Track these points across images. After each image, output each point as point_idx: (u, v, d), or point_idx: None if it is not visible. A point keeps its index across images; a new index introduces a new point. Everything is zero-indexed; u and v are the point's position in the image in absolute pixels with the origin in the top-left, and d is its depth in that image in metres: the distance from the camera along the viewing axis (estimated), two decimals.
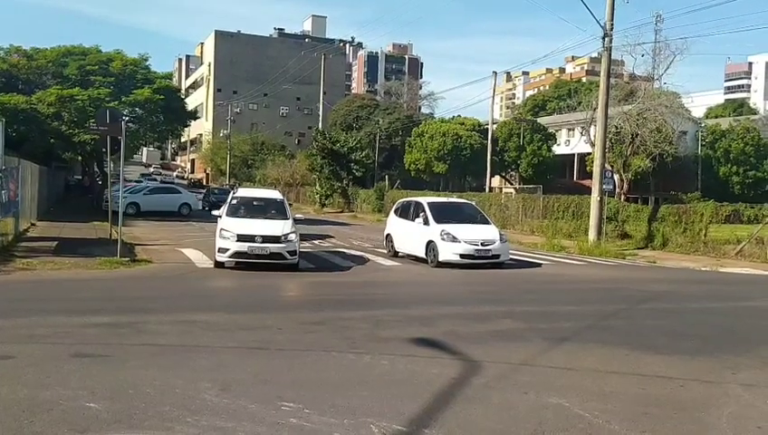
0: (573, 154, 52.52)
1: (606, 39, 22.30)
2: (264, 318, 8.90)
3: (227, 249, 14.16)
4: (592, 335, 8.27)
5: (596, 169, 23.14)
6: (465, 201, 21.12)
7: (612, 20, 22.31)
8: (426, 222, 16.97)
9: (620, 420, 4.89)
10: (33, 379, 5.51)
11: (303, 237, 20.53)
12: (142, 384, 5.37)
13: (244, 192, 17.87)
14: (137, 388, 5.26)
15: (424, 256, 16.78)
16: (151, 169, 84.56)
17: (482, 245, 16.18)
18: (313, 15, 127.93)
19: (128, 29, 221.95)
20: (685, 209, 23.86)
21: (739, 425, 5.01)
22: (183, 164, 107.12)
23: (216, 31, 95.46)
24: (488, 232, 16.83)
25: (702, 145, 49.35)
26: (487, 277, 14.90)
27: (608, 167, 26.82)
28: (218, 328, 8.12)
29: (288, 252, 14.35)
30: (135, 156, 66.23)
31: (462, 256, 16.02)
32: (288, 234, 14.53)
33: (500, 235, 16.89)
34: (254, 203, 16.44)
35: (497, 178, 53.59)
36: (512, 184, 54.12)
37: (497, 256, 16.36)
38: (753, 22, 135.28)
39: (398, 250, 18.29)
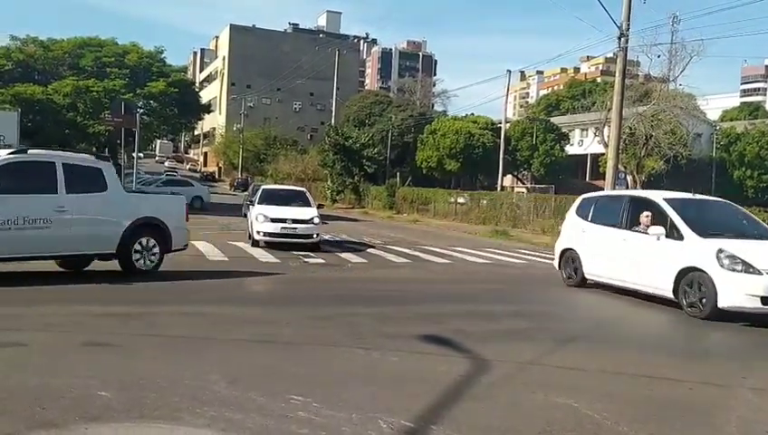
0: (586, 154, 52.34)
1: (622, 39, 22.19)
2: (273, 312, 8.93)
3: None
4: (601, 336, 8.25)
5: (609, 170, 23.05)
6: (717, 199, 13.08)
7: (629, 20, 22.22)
8: (673, 234, 10.21)
9: (629, 422, 4.88)
10: (45, 367, 5.57)
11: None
12: (152, 375, 5.42)
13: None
14: (147, 378, 5.31)
15: (667, 295, 10.12)
16: (165, 162, 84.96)
17: None
18: (328, 11, 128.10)
19: (144, 22, 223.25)
20: None
21: (748, 429, 4.99)
22: (196, 157, 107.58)
23: (231, 25, 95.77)
24: None
25: (716, 148, 49.02)
26: (496, 276, 14.87)
27: (621, 168, 26.74)
28: (228, 321, 8.16)
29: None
30: (148, 148, 66.68)
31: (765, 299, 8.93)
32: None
33: None
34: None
35: (509, 177, 53.53)
36: (524, 183, 54.00)
37: None
38: None
39: (590, 276, 12.04)
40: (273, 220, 16.88)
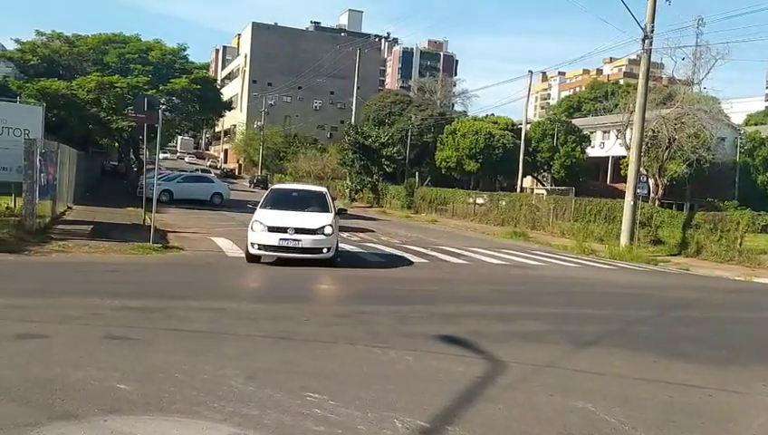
0: (607, 157, 51.90)
1: (646, 41, 21.97)
2: (291, 309, 8.97)
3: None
4: (619, 340, 8.17)
5: (630, 173, 22.85)
6: None
7: (653, 22, 21.98)
8: None
9: (646, 428, 4.84)
10: (66, 359, 5.65)
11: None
12: (171, 369, 5.47)
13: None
14: (166, 372, 5.36)
15: None
16: (186, 158, 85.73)
17: None
18: (350, 10, 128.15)
19: (167, 18, 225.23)
20: (720, 217, 23.42)
21: None
22: (216, 154, 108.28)
23: (253, 23, 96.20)
24: None
25: (740, 152, 48.39)
26: (514, 278, 14.81)
27: (643, 171, 26.46)
28: (246, 317, 8.21)
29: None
30: (170, 144, 67.28)
31: None
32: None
33: None
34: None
35: (529, 178, 53.22)
36: (543, 185, 53.67)
37: None
38: None
39: None
40: (271, 229, 13.47)
